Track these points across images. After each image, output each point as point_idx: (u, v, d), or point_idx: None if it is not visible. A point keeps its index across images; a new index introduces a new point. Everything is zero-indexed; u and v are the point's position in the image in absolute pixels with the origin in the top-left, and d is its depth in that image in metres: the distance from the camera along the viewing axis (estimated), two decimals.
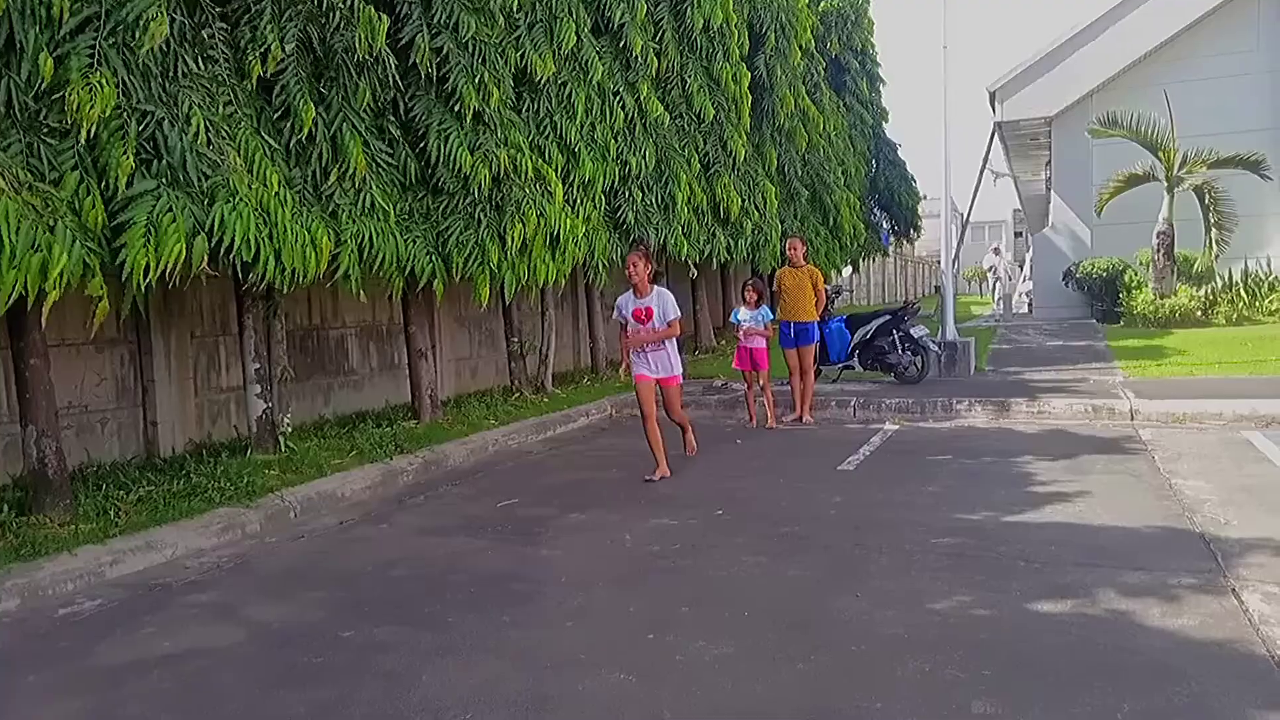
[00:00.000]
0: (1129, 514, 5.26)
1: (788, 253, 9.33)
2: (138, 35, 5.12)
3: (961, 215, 22.86)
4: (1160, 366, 11.14)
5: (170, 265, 5.12)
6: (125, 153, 5.03)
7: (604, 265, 10.29)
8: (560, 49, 9.29)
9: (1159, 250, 16.94)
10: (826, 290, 11.81)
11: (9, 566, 4.58)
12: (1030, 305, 22.39)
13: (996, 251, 25.00)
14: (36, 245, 4.48)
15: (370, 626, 3.96)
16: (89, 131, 4.87)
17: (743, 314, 8.88)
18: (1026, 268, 24.29)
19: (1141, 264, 17.95)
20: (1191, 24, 18.36)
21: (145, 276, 5.04)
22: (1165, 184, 16.82)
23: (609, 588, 4.37)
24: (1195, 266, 17.48)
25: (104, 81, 4.89)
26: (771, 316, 8.87)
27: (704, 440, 7.95)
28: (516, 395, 10.14)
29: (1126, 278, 17.82)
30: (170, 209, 5.16)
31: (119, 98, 5.03)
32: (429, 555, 5.10)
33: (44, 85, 4.74)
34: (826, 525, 5.36)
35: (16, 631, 4.10)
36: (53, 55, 4.76)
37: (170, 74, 5.42)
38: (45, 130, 4.85)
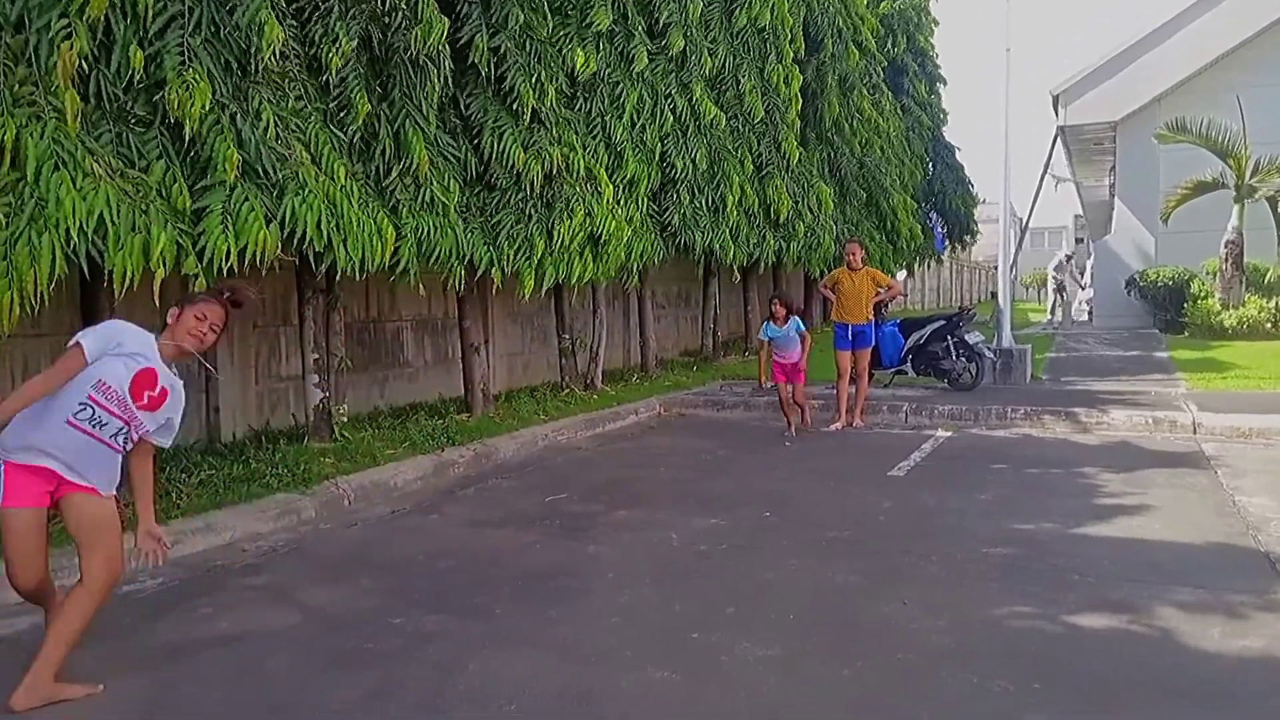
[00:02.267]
0: (1189, 530, 5.12)
1: (846, 257, 9.21)
2: (253, 39, 5.42)
3: (1020, 220, 22.41)
4: (1225, 379, 10.81)
5: (254, 251, 5.36)
6: (227, 144, 5.30)
7: (640, 268, 10.28)
8: (611, 45, 9.31)
9: (1227, 260, 16.43)
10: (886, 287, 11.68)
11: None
12: (1090, 314, 21.88)
13: (1069, 259, 24.26)
14: (136, 227, 4.75)
15: (420, 614, 4.03)
16: (193, 128, 5.14)
17: (773, 330, 8.53)
18: (1087, 275, 23.71)
19: (1208, 273, 17.43)
20: (1266, 28, 17.79)
21: (227, 261, 5.23)
22: (1235, 192, 16.32)
23: (654, 585, 4.39)
24: (1266, 277, 16.91)
25: (198, 78, 5.14)
26: (803, 327, 8.57)
27: (752, 442, 7.94)
28: (566, 391, 10.21)
29: (1193, 287, 17.32)
30: (246, 198, 5.40)
31: (209, 91, 5.26)
32: (477, 547, 5.17)
33: (135, 78, 4.96)
34: (875, 530, 5.32)
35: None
36: (143, 50, 4.98)
37: (245, 69, 5.59)
38: (132, 121, 5.09)
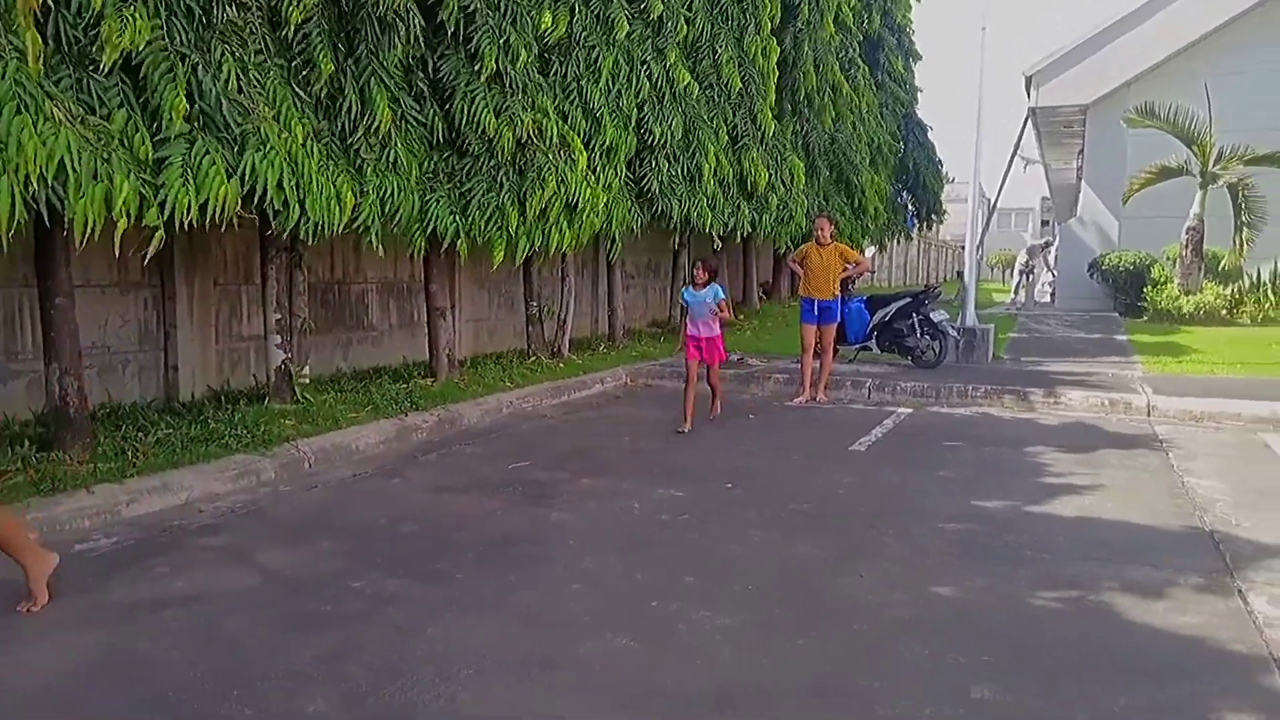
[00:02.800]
0: (1140, 510, 5.24)
1: (815, 232, 9.14)
2: None
3: (989, 201, 22.60)
4: (1181, 363, 11.04)
5: (214, 205, 5.22)
6: (177, 94, 5.14)
7: (620, 235, 10.24)
8: (588, 9, 9.17)
9: (1188, 246, 16.73)
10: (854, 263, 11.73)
11: (28, 500, 4.67)
12: (1053, 295, 22.19)
13: (1046, 246, 24.40)
14: (98, 175, 4.61)
15: (380, 578, 4.02)
16: (114, 62, 4.92)
17: (689, 295, 7.72)
18: (1051, 257, 24.01)
19: (1169, 259, 17.73)
20: (1237, 15, 18.00)
21: (187, 214, 5.10)
22: (1199, 179, 16.57)
23: (616, 554, 4.41)
24: (1223, 264, 17.26)
25: (136, 15, 4.94)
26: (723, 295, 7.70)
27: (719, 416, 7.97)
28: (533, 359, 10.17)
29: (1153, 272, 17.63)
30: (207, 151, 5.25)
31: (164, 40, 5.09)
32: (440, 512, 5.16)
33: (90, 20, 4.78)
34: (836, 505, 5.38)
35: None
36: None
37: (207, 19, 5.43)
38: (93, 66, 4.91)
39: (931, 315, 10.58)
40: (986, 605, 3.82)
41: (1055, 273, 23.49)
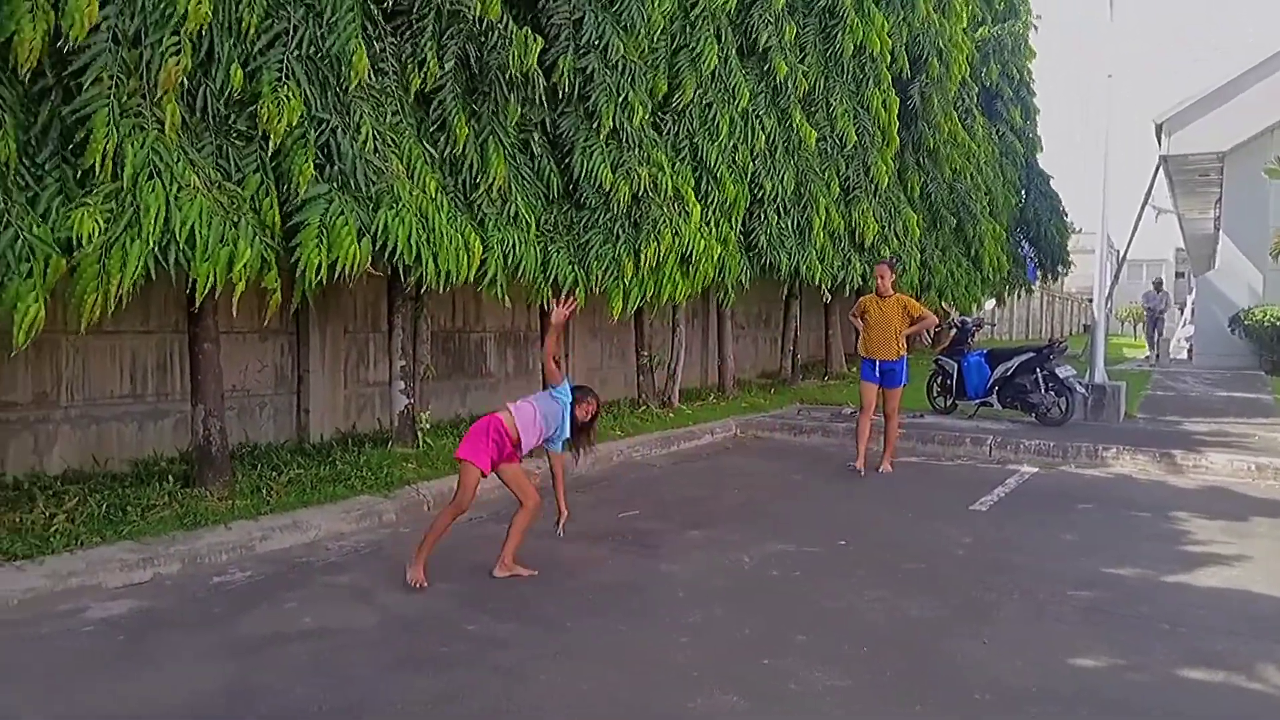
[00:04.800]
0: None
1: (875, 280, 8.16)
2: (342, 69, 5.64)
3: (1118, 252, 21.67)
4: None
5: (345, 265, 5.51)
6: (306, 160, 5.48)
7: (733, 286, 10.28)
8: (704, 72, 9.36)
9: None
10: (963, 322, 11.43)
11: (173, 534, 4.99)
12: (1190, 352, 20.97)
13: (1158, 287, 23.24)
14: (224, 239, 4.94)
15: (492, 622, 4.10)
16: (278, 142, 5.32)
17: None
18: (1187, 311, 22.74)
19: None
20: None
21: (318, 274, 5.41)
22: None
23: (725, 607, 4.37)
24: None
25: (290, 95, 5.33)
26: (570, 398, 4.95)
27: (830, 468, 7.84)
28: (643, 408, 10.25)
29: None
30: (342, 212, 5.56)
31: (302, 108, 5.43)
32: (551, 558, 5.22)
33: (234, 94, 5.17)
34: (954, 565, 5.19)
35: (176, 594, 4.45)
36: (244, 68, 5.20)
37: (345, 85, 5.79)
38: (233, 135, 5.30)
39: (1057, 370, 10.14)
40: (1120, 679, 3.59)
41: (1185, 320, 22.29)
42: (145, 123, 4.75)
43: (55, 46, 4.42)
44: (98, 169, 4.58)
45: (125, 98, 4.70)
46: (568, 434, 4.92)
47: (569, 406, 4.89)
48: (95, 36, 4.55)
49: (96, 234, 4.51)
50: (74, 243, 4.47)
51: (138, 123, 4.73)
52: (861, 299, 8.36)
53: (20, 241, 4.28)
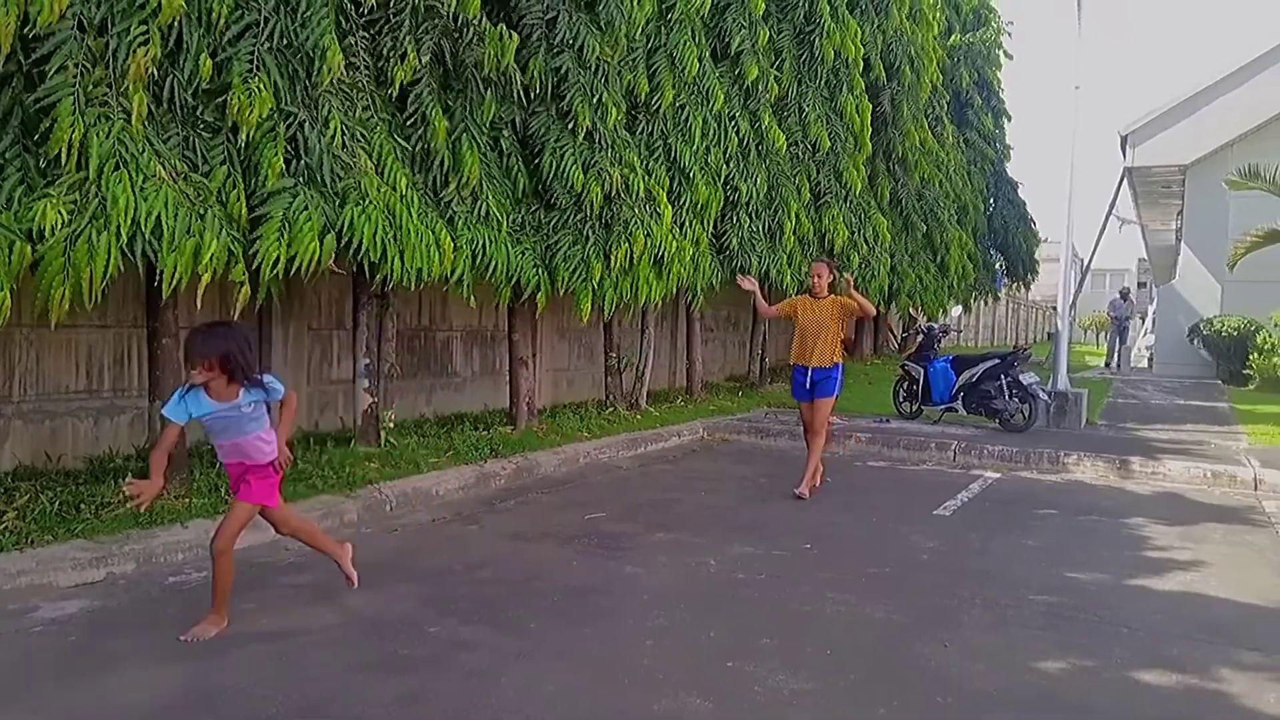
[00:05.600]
0: (1247, 589, 4.94)
1: (811, 279, 7.36)
2: (314, 63, 5.55)
3: (1082, 261, 22.00)
4: None
5: (304, 261, 5.41)
6: (276, 153, 5.39)
7: (704, 289, 10.30)
8: (683, 75, 9.36)
9: None
10: (930, 329, 11.54)
11: (128, 532, 4.88)
12: (1150, 360, 21.36)
13: (1124, 295, 23.60)
14: (190, 231, 4.86)
15: (456, 624, 4.05)
16: (248, 134, 5.23)
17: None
18: (1149, 321, 23.16)
19: (1276, 325, 16.91)
20: None
21: (274, 269, 5.32)
22: None
23: (690, 610, 4.35)
24: None
25: (261, 87, 5.25)
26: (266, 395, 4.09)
27: (795, 471, 7.84)
28: (610, 410, 10.22)
29: (1259, 339, 16.82)
30: (306, 207, 5.48)
31: (272, 101, 5.36)
32: (516, 560, 5.18)
33: (203, 84, 5.09)
34: (918, 570, 5.22)
35: (130, 594, 4.35)
36: (213, 58, 5.11)
37: (316, 79, 5.71)
38: (201, 126, 5.21)
39: (1021, 377, 10.27)
40: (1081, 683, 3.63)
41: (1146, 329, 22.71)
42: (111, 112, 4.64)
43: (22, 33, 4.31)
44: (63, 159, 4.48)
45: (91, 86, 4.59)
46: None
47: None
48: (61, 24, 4.44)
49: (60, 226, 4.40)
50: (36, 234, 4.36)
51: (103, 112, 4.62)
52: (792, 298, 7.78)
53: None
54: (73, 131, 4.47)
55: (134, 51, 4.64)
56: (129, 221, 4.60)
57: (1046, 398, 10.63)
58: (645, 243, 8.47)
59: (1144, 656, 3.90)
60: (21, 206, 4.37)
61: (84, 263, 4.50)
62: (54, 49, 4.47)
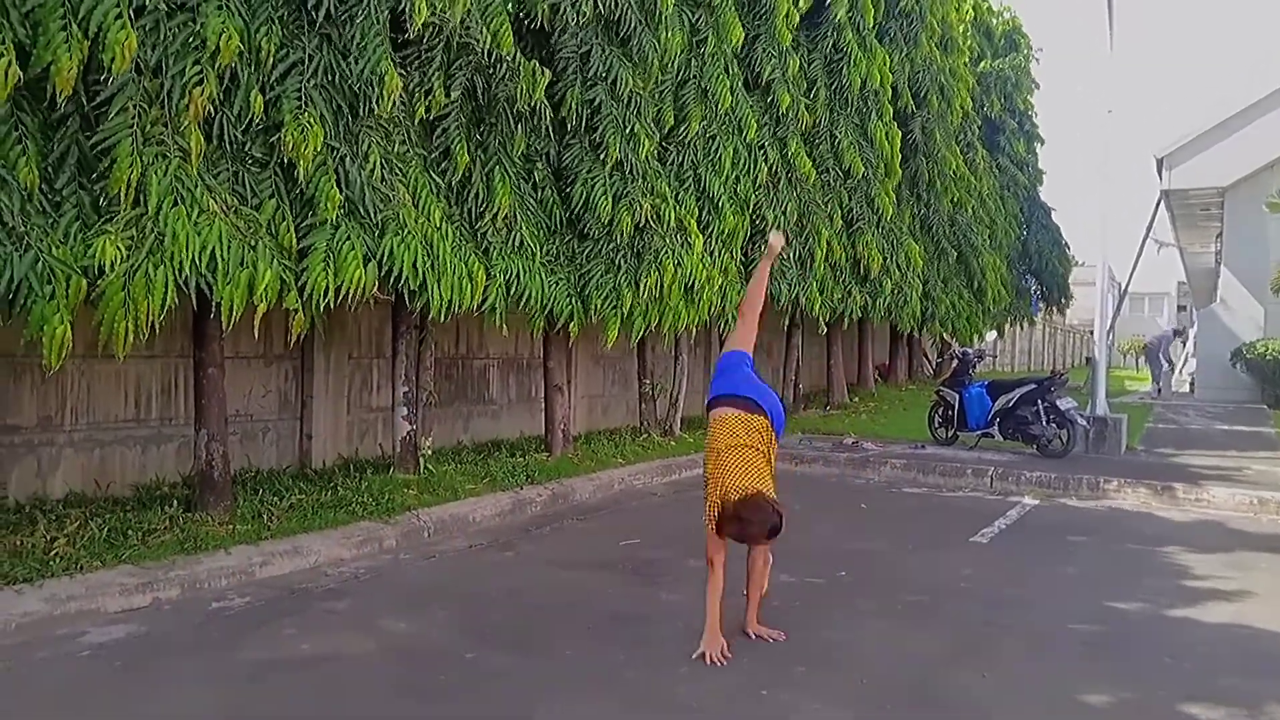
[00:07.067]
0: None
1: None
2: (375, 89, 5.73)
3: (1119, 285, 21.74)
4: None
5: (350, 289, 5.57)
6: (331, 185, 5.58)
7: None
8: (717, 106, 9.46)
9: None
10: (965, 354, 11.44)
11: (173, 558, 4.98)
12: (1192, 385, 20.97)
13: (1178, 334, 23.35)
14: (244, 262, 5.03)
15: (491, 651, 4.09)
16: (304, 169, 5.42)
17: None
18: (1190, 345, 22.78)
19: None
20: None
21: (324, 297, 5.47)
22: None
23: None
24: None
25: (312, 121, 5.42)
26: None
27: (830, 500, 7.83)
28: (644, 436, 10.25)
29: None
30: (349, 237, 5.65)
31: (323, 134, 5.54)
32: (551, 587, 5.21)
33: (254, 120, 5.27)
34: (955, 598, 5.17)
35: (174, 619, 4.44)
36: (263, 95, 5.30)
37: (363, 111, 5.87)
38: (249, 161, 5.39)
39: (1058, 402, 10.15)
40: (1124, 715, 3.57)
41: (1182, 359, 22.37)
42: (168, 150, 4.83)
43: (86, 78, 4.50)
44: (122, 197, 4.66)
45: (149, 126, 4.78)
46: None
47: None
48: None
49: (119, 261, 4.57)
50: (97, 270, 4.53)
51: (160, 151, 4.80)
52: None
53: (41, 264, 4.32)
54: (132, 170, 4.65)
55: (189, 91, 4.82)
56: (187, 256, 4.77)
57: (1085, 423, 10.48)
58: (675, 272, 8.53)
59: (1190, 689, 3.83)
60: (78, 242, 4.54)
61: (141, 296, 4.66)
62: (115, 91, 4.66)
